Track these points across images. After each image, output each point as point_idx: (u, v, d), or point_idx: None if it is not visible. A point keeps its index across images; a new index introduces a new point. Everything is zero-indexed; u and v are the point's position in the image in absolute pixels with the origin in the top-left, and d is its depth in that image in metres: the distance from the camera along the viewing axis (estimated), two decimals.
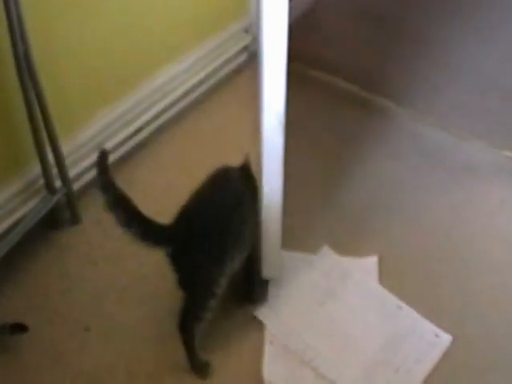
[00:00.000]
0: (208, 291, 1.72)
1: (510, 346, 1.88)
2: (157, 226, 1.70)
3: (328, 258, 2.08)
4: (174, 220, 1.74)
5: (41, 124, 1.96)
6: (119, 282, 2.01)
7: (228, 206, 1.75)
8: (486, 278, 2.04)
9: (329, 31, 3.09)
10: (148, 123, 2.44)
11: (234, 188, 1.82)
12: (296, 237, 2.08)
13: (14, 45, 1.81)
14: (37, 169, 2.06)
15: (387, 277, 2.03)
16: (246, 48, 2.82)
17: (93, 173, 2.20)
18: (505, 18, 3.14)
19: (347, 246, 2.10)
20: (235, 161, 2.05)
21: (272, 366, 1.82)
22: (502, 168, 2.39)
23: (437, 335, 1.88)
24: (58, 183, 2.09)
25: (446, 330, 1.88)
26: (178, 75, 2.54)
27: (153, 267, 2.03)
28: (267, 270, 1.97)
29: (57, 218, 2.13)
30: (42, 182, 2.08)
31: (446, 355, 1.84)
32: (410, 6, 3.21)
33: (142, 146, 2.42)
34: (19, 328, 1.83)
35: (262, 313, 1.93)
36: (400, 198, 2.29)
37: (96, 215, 2.17)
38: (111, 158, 2.25)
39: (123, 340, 1.88)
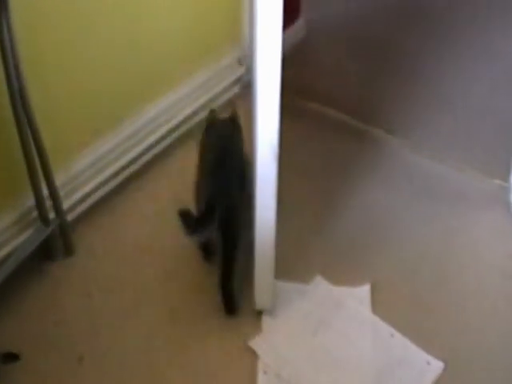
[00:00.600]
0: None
1: (502, 373, 1.87)
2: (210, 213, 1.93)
3: (321, 288, 2.07)
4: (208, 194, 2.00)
5: (35, 156, 1.96)
6: (113, 313, 1.99)
7: (234, 155, 2.08)
8: (477, 306, 2.03)
9: (321, 62, 3.10)
10: (143, 153, 2.44)
11: (232, 139, 2.12)
12: (289, 267, 2.07)
13: (8, 80, 1.82)
14: (31, 200, 2.05)
15: (380, 305, 2.01)
16: (239, 79, 2.82)
17: (86, 204, 2.25)
18: (498, 48, 3.14)
19: (340, 276, 2.09)
20: None
21: None
22: (493, 196, 2.38)
23: (428, 363, 1.86)
24: (52, 214, 2.08)
25: (438, 357, 1.87)
26: (171, 106, 2.54)
27: (147, 299, 2.03)
28: (260, 300, 1.96)
29: (51, 249, 2.12)
30: (35, 213, 2.07)
31: (438, 382, 1.83)
32: (403, 37, 3.21)
33: (136, 175, 2.42)
34: (11, 357, 1.81)
35: (256, 342, 1.92)
36: (392, 227, 2.28)
37: (90, 246, 2.17)
38: (105, 189, 2.31)
39: (117, 371, 1.86)
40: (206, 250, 2.14)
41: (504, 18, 3.31)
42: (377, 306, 2.01)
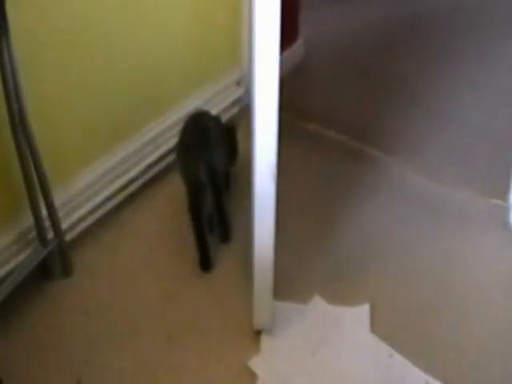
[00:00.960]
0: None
1: None
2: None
3: (320, 308, 2.06)
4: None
5: (34, 176, 1.95)
6: (111, 333, 1.98)
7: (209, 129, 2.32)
8: (477, 326, 2.02)
9: (320, 83, 3.11)
10: (141, 174, 2.43)
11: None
12: (288, 286, 2.06)
13: (8, 101, 1.82)
14: (29, 220, 2.04)
15: (379, 325, 2.00)
16: (237, 101, 2.82)
17: (85, 224, 2.24)
18: (492, 67, 3.16)
19: (339, 295, 2.09)
20: None
21: None
22: (491, 216, 2.38)
23: (427, 383, 1.85)
24: (50, 234, 2.07)
25: (437, 377, 1.85)
26: (171, 127, 2.53)
27: (145, 319, 2.02)
28: (259, 320, 1.95)
29: (49, 269, 2.11)
30: (34, 233, 2.06)
31: None
32: (399, 57, 3.24)
33: (135, 195, 2.42)
34: None
35: (255, 362, 1.90)
36: (391, 246, 2.27)
37: (88, 266, 2.16)
38: (104, 209, 2.30)
39: None
40: (206, 253, 2.17)
41: (500, 39, 3.35)
42: (376, 325, 2.00)
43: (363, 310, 2.04)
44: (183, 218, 2.15)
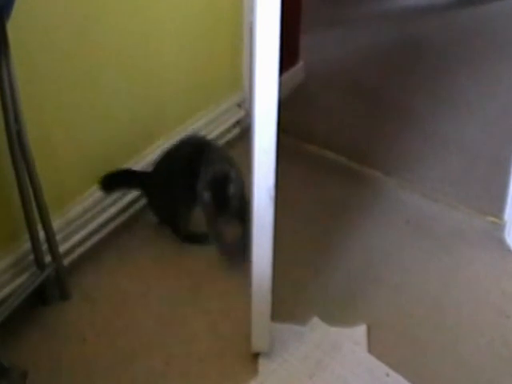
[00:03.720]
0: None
1: None
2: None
3: (317, 330, 2.01)
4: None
5: (32, 200, 1.91)
6: (108, 359, 1.93)
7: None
8: (473, 344, 1.98)
9: (319, 105, 3.10)
10: (138, 198, 2.38)
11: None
12: (285, 309, 2.03)
13: (7, 124, 1.79)
14: (27, 244, 2.00)
15: (376, 345, 1.96)
16: (238, 122, 2.80)
17: (82, 248, 2.20)
18: (488, 89, 3.16)
19: (336, 317, 2.04)
20: None
21: None
22: (487, 234, 2.36)
23: None
24: (47, 258, 2.02)
25: None
26: None
27: (142, 346, 1.96)
28: (257, 343, 1.91)
29: (46, 293, 2.05)
30: (31, 257, 2.01)
31: None
32: (397, 80, 3.24)
33: (132, 220, 2.37)
34: None
35: None
36: (388, 266, 2.24)
37: (86, 291, 2.12)
38: (102, 233, 2.26)
39: None
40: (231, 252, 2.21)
41: (496, 62, 3.37)
42: (373, 345, 1.97)
43: (360, 331, 2.00)
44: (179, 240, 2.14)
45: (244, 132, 2.74)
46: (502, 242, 2.32)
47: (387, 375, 1.87)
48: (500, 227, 2.34)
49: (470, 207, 2.45)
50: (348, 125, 2.96)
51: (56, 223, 2.05)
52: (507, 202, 2.31)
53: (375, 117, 3.00)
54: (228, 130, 2.76)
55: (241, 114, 2.81)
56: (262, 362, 1.91)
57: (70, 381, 1.87)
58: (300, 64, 3.19)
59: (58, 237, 2.05)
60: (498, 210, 2.35)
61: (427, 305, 2.10)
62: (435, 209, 2.47)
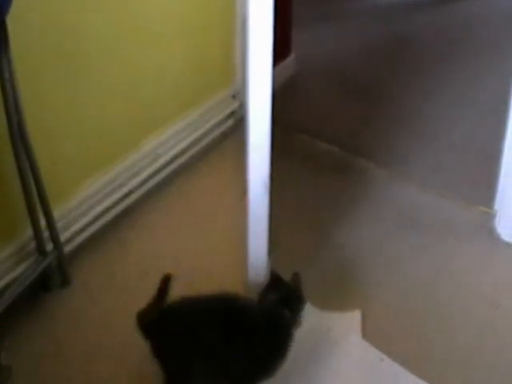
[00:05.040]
0: None
1: None
2: None
3: (312, 315, 1.99)
4: None
5: (33, 189, 1.92)
6: (107, 345, 1.94)
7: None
8: (464, 331, 1.99)
9: (311, 96, 3.10)
10: (137, 187, 2.40)
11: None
12: None
13: (8, 115, 1.79)
14: (29, 232, 2.00)
15: (369, 331, 1.97)
16: (233, 113, 2.81)
17: (83, 236, 2.20)
18: (476, 86, 3.15)
19: (330, 304, 2.05)
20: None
21: None
22: (478, 224, 2.36)
23: None
24: (49, 246, 2.03)
25: (427, 379, 1.83)
26: (168, 140, 2.51)
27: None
28: None
29: (48, 280, 2.07)
30: (33, 245, 2.03)
31: None
32: (388, 73, 3.25)
33: (132, 208, 2.38)
34: None
35: None
36: (380, 255, 2.25)
37: (86, 278, 2.12)
38: (102, 221, 2.26)
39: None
40: None
41: (484, 59, 3.35)
42: (366, 331, 1.97)
43: (354, 316, 2.01)
44: (179, 230, 2.12)
45: (238, 123, 2.74)
46: (492, 231, 2.32)
47: (381, 360, 1.89)
48: (490, 217, 2.34)
49: (460, 198, 2.45)
50: (339, 116, 2.96)
51: (56, 212, 2.05)
52: (497, 192, 2.32)
53: (366, 109, 3.00)
54: (222, 121, 2.76)
55: (235, 105, 2.80)
56: None
57: (71, 365, 1.89)
58: (292, 57, 3.19)
59: (59, 225, 2.06)
60: (488, 200, 2.35)
61: (419, 293, 2.11)
62: (426, 199, 2.47)
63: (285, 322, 1.71)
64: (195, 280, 2.11)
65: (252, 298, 1.71)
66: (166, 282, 1.68)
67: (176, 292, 2.04)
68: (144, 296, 2.04)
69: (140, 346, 1.81)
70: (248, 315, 1.66)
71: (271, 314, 1.69)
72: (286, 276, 2.08)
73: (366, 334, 1.96)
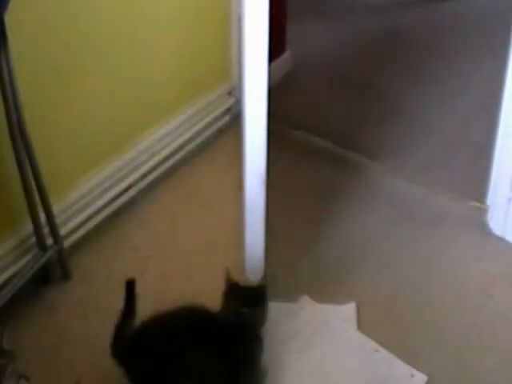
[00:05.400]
0: None
1: (483, 382, 1.85)
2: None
3: (308, 307, 2.03)
4: None
5: (33, 185, 1.93)
6: (107, 336, 1.86)
7: None
8: (457, 321, 2.01)
9: (306, 93, 3.10)
10: (136, 182, 2.41)
11: None
12: (277, 288, 2.01)
13: (7, 112, 1.80)
14: (29, 227, 2.02)
15: (364, 323, 1.99)
16: (229, 110, 2.82)
17: (83, 230, 2.22)
18: (469, 80, 3.16)
19: (326, 295, 2.06)
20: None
21: None
22: (470, 218, 2.37)
23: (412, 375, 1.83)
24: (49, 241, 2.04)
25: (421, 369, 1.84)
26: (165, 136, 2.52)
27: (140, 319, 1.91)
28: None
29: (48, 274, 2.08)
30: (33, 239, 2.04)
31: None
32: (382, 69, 3.25)
33: (131, 203, 2.39)
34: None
35: None
36: (374, 248, 2.26)
37: (86, 271, 2.14)
38: (101, 216, 2.28)
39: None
40: None
41: (475, 53, 3.36)
42: (362, 323, 1.99)
43: (350, 308, 2.02)
44: (177, 224, 2.13)
45: (234, 119, 2.75)
46: (484, 225, 2.33)
47: (376, 351, 1.90)
48: (482, 211, 2.34)
49: (453, 192, 2.45)
50: (334, 112, 2.96)
51: (56, 207, 2.06)
52: (489, 187, 2.31)
53: (360, 104, 3.00)
54: (219, 118, 2.77)
55: (231, 102, 2.81)
56: None
57: (73, 356, 1.90)
58: (287, 53, 3.19)
59: (59, 220, 2.07)
60: (481, 195, 2.35)
61: (412, 285, 2.12)
62: (419, 193, 2.47)
63: (249, 321, 1.72)
64: (194, 272, 2.14)
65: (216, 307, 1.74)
66: (130, 288, 1.71)
67: (175, 285, 2.09)
68: (143, 288, 2.04)
69: None
70: (217, 325, 1.67)
71: (236, 318, 1.70)
72: (282, 267, 2.12)
73: (361, 326, 1.97)
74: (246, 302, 1.70)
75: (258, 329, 1.73)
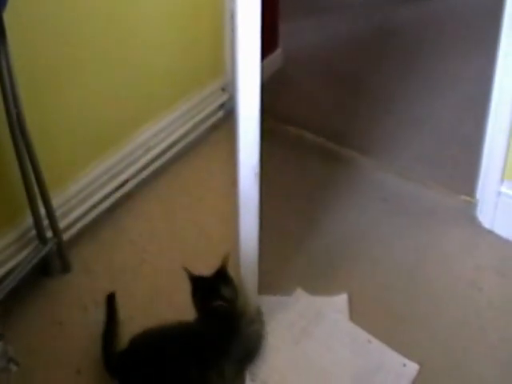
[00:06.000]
0: None
1: (473, 372, 1.86)
2: None
3: (301, 299, 2.05)
4: None
5: (32, 179, 1.94)
6: None
7: None
8: (447, 314, 2.03)
9: (298, 89, 3.11)
10: (133, 176, 2.43)
11: None
12: (271, 281, 2.05)
13: (7, 107, 1.81)
14: (29, 220, 2.03)
15: (357, 314, 2.01)
16: (222, 105, 2.82)
17: (82, 223, 2.23)
18: (458, 76, 3.17)
19: (319, 288, 2.08)
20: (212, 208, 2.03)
21: None
22: (460, 211, 2.38)
23: (404, 365, 1.85)
24: (49, 233, 2.06)
25: (413, 359, 1.86)
26: (160, 131, 2.54)
27: (139, 310, 2.00)
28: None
29: (48, 266, 2.10)
30: (34, 232, 2.05)
31: (414, 383, 1.82)
32: (373, 65, 3.25)
33: (128, 196, 2.41)
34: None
35: None
36: (366, 241, 2.27)
37: (85, 263, 2.15)
38: (99, 209, 2.29)
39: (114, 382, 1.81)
40: None
41: (465, 49, 3.36)
42: (354, 314, 2.00)
43: (342, 300, 2.04)
44: (174, 217, 2.13)
45: (228, 114, 2.76)
46: (474, 219, 2.34)
47: (369, 342, 1.92)
48: (472, 205, 2.35)
49: (443, 186, 2.46)
50: (325, 107, 2.97)
51: (55, 200, 2.07)
52: (479, 182, 2.32)
53: (351, 100, 3.00)
54: (213, 113, 2.78)
55: (224, 97, 2.82)
56: None
57: (73, 347, 1.91)
58: (279, 50, 3.20)
59: (58, 213, 2.08)
60: (470, 189, 2.36)
61: (403, 277, 2.13)
62: (410, 188, 2.48)
63: (228, 312, 1.79)
64: (189, 265, 2.07)
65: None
66: (111, 301, 1.85)
67: (172, 278, 2.09)
68: (141, 279, 2.11)
69: (140, 326, 1.85)
70: (198, 337, 1.75)
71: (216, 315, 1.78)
72: (276, 261, 2.14)
73: (353, 317, 1.99)
74: (212, 291, 1.78)
75: (235, 311, 1.80)
